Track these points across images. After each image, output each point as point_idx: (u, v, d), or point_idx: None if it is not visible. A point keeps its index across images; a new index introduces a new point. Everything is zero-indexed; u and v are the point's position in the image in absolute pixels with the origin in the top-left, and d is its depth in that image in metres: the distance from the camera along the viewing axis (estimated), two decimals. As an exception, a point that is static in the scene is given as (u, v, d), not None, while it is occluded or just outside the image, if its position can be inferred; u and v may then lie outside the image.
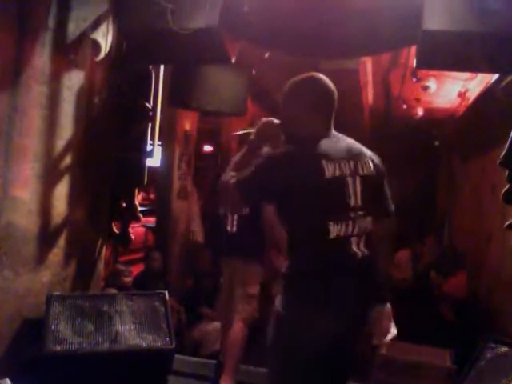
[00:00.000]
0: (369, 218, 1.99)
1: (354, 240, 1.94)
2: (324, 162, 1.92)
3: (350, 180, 1.95)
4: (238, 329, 3.36)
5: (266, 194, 2.06)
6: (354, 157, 2.00)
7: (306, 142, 1.99)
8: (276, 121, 2.18)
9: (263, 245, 3.51)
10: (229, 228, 3.50)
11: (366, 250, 1.96)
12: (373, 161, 2.07)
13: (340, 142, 2.05)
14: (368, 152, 2.10)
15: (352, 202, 1.95)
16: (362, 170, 2.00)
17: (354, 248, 1.93)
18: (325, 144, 1.99)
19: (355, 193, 1.96)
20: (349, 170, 1.96)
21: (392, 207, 2.17)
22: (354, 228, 1.94)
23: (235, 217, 3.45)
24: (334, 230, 1.90)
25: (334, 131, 2.09)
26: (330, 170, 1.92)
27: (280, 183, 1.93)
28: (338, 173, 1.93)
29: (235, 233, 3.47)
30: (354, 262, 1.94)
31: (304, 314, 1.88)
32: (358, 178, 1.97)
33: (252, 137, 2.19)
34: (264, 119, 2.21)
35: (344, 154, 1.99)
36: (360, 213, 1.96)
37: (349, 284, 1.90)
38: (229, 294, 3.57)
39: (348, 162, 1.97)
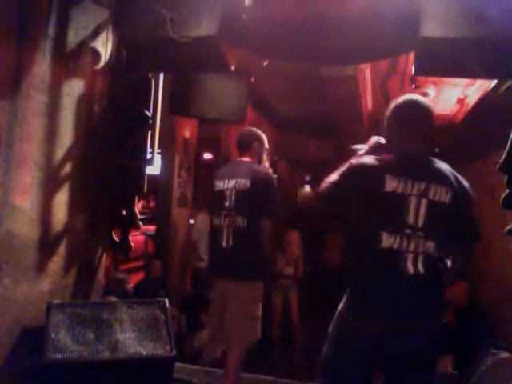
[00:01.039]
0: (431, 243, 2.03)
1: (409, 256, 2.01)
2: (388, 177, 2.03)
3: (414, 199, 2.03)
4: (237, 355, 3.10)
5: (341, 200, 2.17)
6: (429, 180, 2.05)
7: (389, 158, 2.13)
8: (383, 140, 2.30)
9: (263, 259, 3.17)
10: (224, 243, 3.11)
11: (422, 269, 2.00)
12: (454, 192, 2.07)
13: (422, 164, 2.12)
14: (454, 183, 2.10)
15: (410, 220, 2.02)
16: (434, 195, 2.04)
17: (409, 264, 2.00)
18: (401, 162, 2.10)
19: (417, 213, 2.02)
20: (416, 190, 2.03)
21: (467, 244, 2.27)
22: (409, 244, 2.01)
23: (231, 230, 3.10)
24: (387, 240, 2.01)
25: (424, 154, 2.15)
26: (390, 186, 2.03)
27: (350, 190, 2.11)
28: (399, 190, 2.03)
29: (231, 248, 3.11)
30: (404, 276, 2.00)
31: (352, 312, 2.11)
32: (424, 201, 2.03)
33: (362, 152, 2.31)
34: (375, 137, 2.34)
35: (416, 175, 2.05)
36: (420, 233, 2.02)
37: (396, 294, 2.01)
38: (220, 316, 3.18)
39: (418, 183, 2.03)
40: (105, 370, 2.89)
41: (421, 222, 2.02)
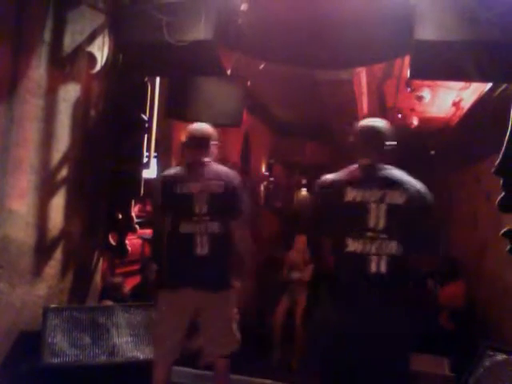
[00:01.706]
0: (393, 243, 2.24)
1: (373, 258, 2.24)
2: (348, 188, 2.30)
3: (373, 206, 2.26)
4: (226, 362, 2.95)
5: (320, 218, 2.48)
6: (386, 187, 2.28)
7: (349, 172, 2.41)
8: None
9: (236, 265, 3.00)
10: (198, 250, 2.84)
11: (384, 270, 2.23)
12: (409, 194, 2.27)
13: (377, 173, 2.35)
14: (409, 186, 2.29)
15: (372, 224, 2.25)
16: (390, 199, 2.26)
17: (372, 265, 2.23)
18: (359, 174, 2.37)
19: (377, 217, 2.25)
20: (374, 197, 2.27)
21: (431, 243, 2.37)
22: (371, 247, 2.25)
23: (205, 236, 2.86)
24: (352, 245, 2.26)
25: (381, 165, 2.38)
26: (350, 195, 2.29)
27: (321, 206, 2.44)
28: (358, 198, 2.28)
29: (207, 256, 2.85)
30: (368, 276, 2.24)
31: (332, 307, 2.36)
32: (382, 205, 2.26)
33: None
34: None
35: (373, 183, 2.30)
36: (382, 235, 2.24)
37: (364, 292, 2.25)
38: (181, 328, 2.89)
39: (376, 190, 2.27)
40: (102, 374, 2.89)
41: (382, 225, 2.25)
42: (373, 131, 2.47)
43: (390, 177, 2.34)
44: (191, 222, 2.88)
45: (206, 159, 2.98)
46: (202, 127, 3.07)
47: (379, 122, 2.50)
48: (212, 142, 3.04)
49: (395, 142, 2.46)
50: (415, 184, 2.32)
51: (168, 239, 3.04)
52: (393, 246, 2.24)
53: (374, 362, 2.25)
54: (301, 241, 5.99)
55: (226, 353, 2.94)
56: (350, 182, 2.33)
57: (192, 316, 2.89)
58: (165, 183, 2.99)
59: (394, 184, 2.30)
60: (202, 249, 2.85)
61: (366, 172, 2.37)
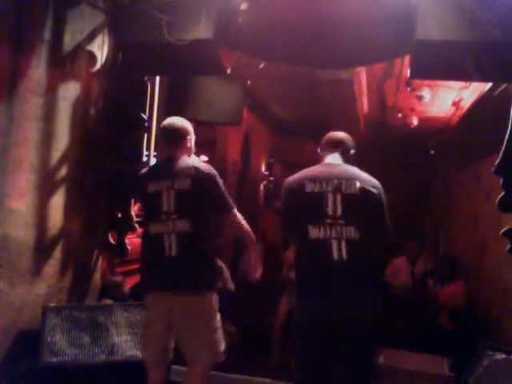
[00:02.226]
0: (351, 227, 2.45)
1: (334, 243, 2.44)
2: (306, 181, 2.54)
3: (330, 195, 2.49)
4: (201, 374, 2.72)
5: (287, 215, 2.69)
6: (341, 179, 2.52)
7: (309, 169, 2.66)
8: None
9: (212, 267, 2.81)
10: (166, 252, 2.66)
11: (345, 256, 2.42)
12: (362, 184, 2.52)
13: (334, 168, 2.61)
14: (362, 178, 2.56)
15: (330, 212, 2.47)
16: (346, 189, 2.49)
17: (334, 251, 2.43)
18: (317, 170, 2.64)
19: (335, 205, 2.47)
20: (330, 187, 2.50)
21: (385, 225, 2.58)
22: (331, 232, 2.44)
23: (174, 236, 2.68)
24: (313, 232, 2.46)
25: (338, 163, 2.66)
26: (309, 187, 2.52)
27: (288, 204, 2.65)
28: (316, 189, 2.51)
29: (176, 257, 2.67)
30: (331, 260, 2.43)
31: (299, 295, 2.59)
32: (338, 194, 2.48)
33: None
34: None
35: (329, 176, 2.54)
36: (340, 221, 2.45)
37: (328, 275, 2.44)
38: (162, 337, 2.74)
39: (331, 181, 2.51)
40: (101, 373, 2.89)
41: (339, 212, 2.46)
42: (334, 135, 2.82)
43: (344, 170, 2.60)
44: (160, 222, 2.73)
45: (179, 155, 2.84)
46: (175, 122, 2.92)
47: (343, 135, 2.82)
48: (187, 137, 2.91)
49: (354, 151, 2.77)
50: (368, 177, 2.59)
51: (141, 240, 2.91)
52: (351, 230, 2.45)
53: (340, 345, 2.46)
54: None
55: (201, 365, 2.72)
56: (308, 177, 2.59)
57: (170, 318, 2.72)
58: (139, 182, 2.90)
59: (350, 175, 2.56)
60: (169, 250, 2.67)
61: (324, 168, 2.65)
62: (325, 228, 2.45)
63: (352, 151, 2.75)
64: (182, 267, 2.68)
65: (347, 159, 2.69)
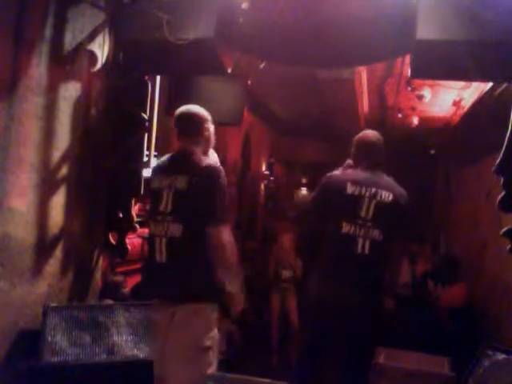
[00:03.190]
0: (377, 231, 2.84)
1: (360, 240, 2.83)
2: (348, 184, 2.90)
3: (367, 199, 2.87)
4: None
5: (320, 208, 3.09)
6: (377, 187, 2.90)
7: (350, 172, 3.04)
8: (351, 162, 3.17)
9: (206, 276, 2.46)
10: (157, 256, 2.48)
11: (367, 252, 2.82)
12: (394, 196, 2.90)
13: (373, 176, 2.95)
14: (397, 189, 2.95)
15: (363, 214, 2.85)
16: (380, 197, 2.87)
17: (359, 246, 2.83)
18: (359, 174, 2.98)
19: (368, 209, 2.85)
20: (368, 193, 2.87)
21: (404, 235, 3.04)
22: (360, 231, 2.84)
23: (164, 240, 2.46)
24: (345, 227, 2.85)
25: (376, 170, 3.00)
26: (350, 189, 2.89)
27: (324, 197, 3.04)
28: (356, 193, 2.88)
29: (165, 263, 2.48)
30: (355, 254, 2.83)
31: (321, 276, 2.98)
32: (373, 201, 2.86)
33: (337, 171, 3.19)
34: (347, 160, 3.22)
35: (369, 183, 2.90)
36: (368, 224, 2.84)
37: (349, 266, 2.85)
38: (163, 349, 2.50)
39: (370, 189, 2.88)
40: (101, 373, 2.88)
41: (370, 216, 2.85)
42: (371, 142, 3.08)
43: (382, 180, 2.96)
44: (156, 223, 2.53)
45: (194, 147, 2.59)
46: (190, 109, 2.67)
47: (375, 133, 3.11)
48: (205, 126, 2.65)
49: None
50: (400, 188, 2.96)
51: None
52: (376, 233, 2.84)
53: (348, 331, 2.82)
54: (287, 239, 6.00)
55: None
56: (350, 180, 2.93)
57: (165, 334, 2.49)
58: (151, 174, 2.76)
59: (385, 186, 2.92)
60: (160, 255, 2.47)
61: (363, 174, 2.97)
62: (355, 226, 2.84)
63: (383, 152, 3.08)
64: (170, 274, 2.48)
65: (380, 162, 3.05)
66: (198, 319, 2.42)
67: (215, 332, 2.46)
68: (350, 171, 3.04)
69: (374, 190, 2.88)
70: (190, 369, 2.37)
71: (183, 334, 2.42)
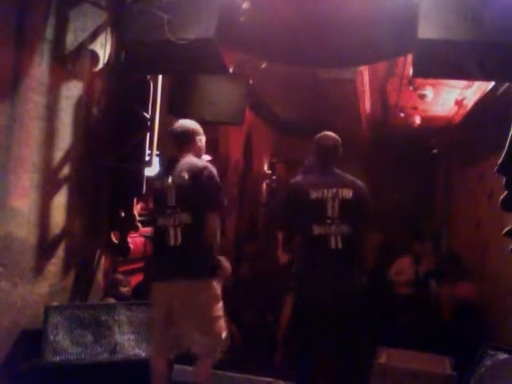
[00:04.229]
0: (344, 226, 3.07)
1: (332, 239, 3.05)
2: (311, 190, 3.11)
3: (330, 200, 3.09)
4: (206, 365, 2.86)
5: (288, 213, 3.28)
6: (337, 186, 3.11)
7: (311, 177, 3.22)
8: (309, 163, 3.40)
9: (211, 256, 2.96)
10: (172, 242, 2.88)
11: (340, 247, 3.04)
12: (354, 191, 3.12)
13: (332, 177, 3.17)
14: (355, 184, 3.17)
15: (330, 214, 3.08)
16: (342, 195, 3.10)
17: (332, 243, 3.05)
18: (319, 179, 3.18)
19: (333, 208, 3.08)
20: (330, 194, 3.09)
21: (368, 223, 3.25)
22: (330, 229, 3.06)
23: (179, 228, 2.89)
24: (317, 229, 3.06)
25: (333, 169, 3.20)
26: (313, 195, 3.10)
27: (291, 203, 3.23)
28: (320, 196, 3.09)
29: (180, 246, 2.89)
30: (330, 251, 3.05)
31: (301, 277, 3.18)
32: (336, 200, 3.09)
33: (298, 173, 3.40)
34: (306, 161, 3.51)
35: (329, 185, 3.11)
36: (337, 221, 3.07)
37: (326, 263, 3.05)
38: (165, 325, 2.87)
39: (332, 190, 3.10)
40: (103, 372, 2.89)
41: (336, 214, 3.07)
42: (330, 143, 3.25)
43: (341, 178, 3.18)
44: (165, 216, 2.94)
45: (188, 155, 3.02)
46: (182, 124, 3.11)
47: (332, 134, 3.29)
48: (196, 138, 3.09)
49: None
50: (359, 182, 3.18)
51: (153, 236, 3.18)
52: (344, 228, 3.07)
53: (338, 318, 2.96)
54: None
55: (203, 352, 2.83)
56: (312, 185, 3.13)
57: (167, 312, 2.85)
58: (153, 180, 3.14)
59: (345, 184, 3.14)
60: (175, 240, 2.90)
61: (323, 176, 3.19)
62: (325, 226, 3.06)
63: (341, 151, 3.25)
64: (185, 255, 2.86)
65: (338, 162, 3.23)
66: (209, 292, 2.87)
67: (221, 303, 2.93)
68: (310, 177, 3.24)
69: (334, 190, 3.10)
70: (210, 335, 2.83)
71: (194, 306, 2.82)
